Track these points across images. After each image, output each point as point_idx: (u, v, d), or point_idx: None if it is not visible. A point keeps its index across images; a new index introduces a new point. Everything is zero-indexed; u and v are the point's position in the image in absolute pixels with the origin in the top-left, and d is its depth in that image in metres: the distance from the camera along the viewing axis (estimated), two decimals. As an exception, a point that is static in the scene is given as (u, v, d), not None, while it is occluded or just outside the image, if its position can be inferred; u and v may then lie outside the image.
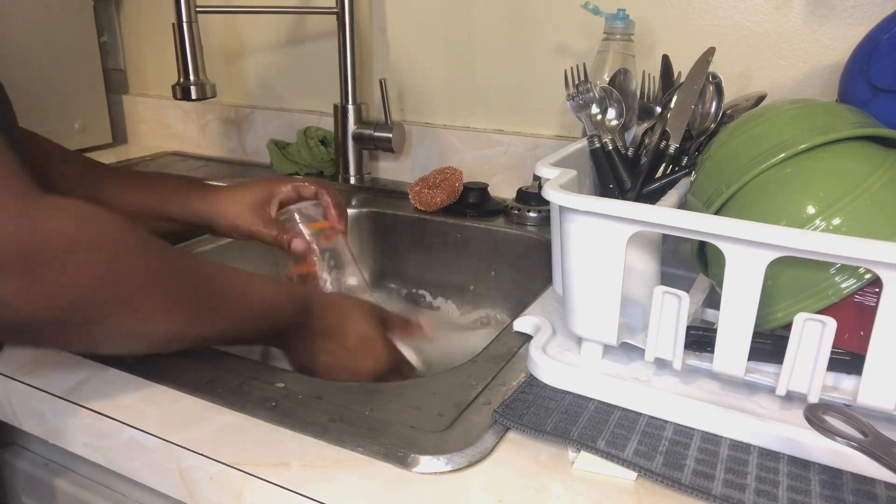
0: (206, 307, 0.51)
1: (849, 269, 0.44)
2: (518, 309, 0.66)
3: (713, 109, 0.63)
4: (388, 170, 1.13)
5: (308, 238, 0.72)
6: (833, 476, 0.43)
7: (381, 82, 1.00)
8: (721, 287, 0.45)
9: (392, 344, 0.64)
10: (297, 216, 0.73)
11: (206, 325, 0.51)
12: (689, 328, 0.48)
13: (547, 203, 0.57)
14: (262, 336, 0.58)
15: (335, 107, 1.06)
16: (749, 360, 0.46)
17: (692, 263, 0.56)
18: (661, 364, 0.51)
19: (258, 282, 0.57)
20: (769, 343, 0.48)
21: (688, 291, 0.47)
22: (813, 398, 0.45)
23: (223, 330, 0.53)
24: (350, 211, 0.98)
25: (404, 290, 0.97)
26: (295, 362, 0.62)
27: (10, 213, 0.36)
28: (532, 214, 0.90)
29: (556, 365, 0.53)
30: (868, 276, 0.44)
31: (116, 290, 0.42)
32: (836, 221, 0.44)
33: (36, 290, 0.37)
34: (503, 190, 0.99)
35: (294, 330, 0.58)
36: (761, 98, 0.68)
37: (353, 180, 1.08)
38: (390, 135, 1.03)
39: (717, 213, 0.50)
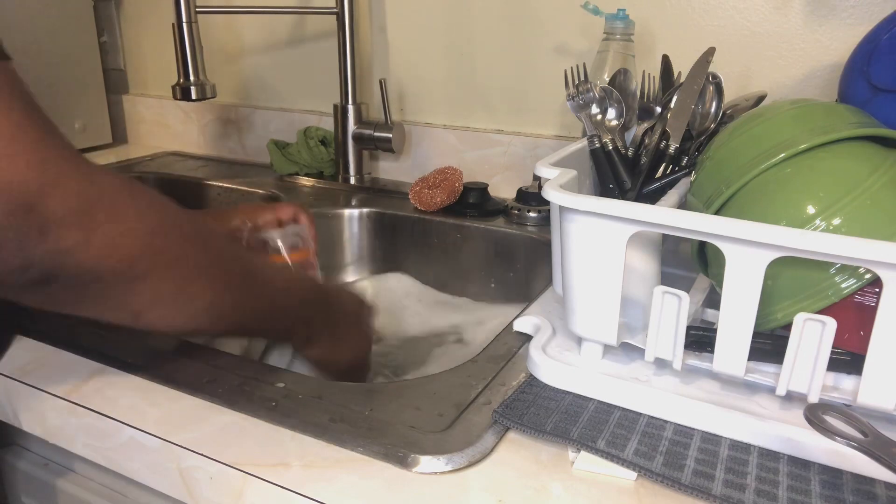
0: (241, 278, 0.51)
1: (849, 269, 0.44)
2: (518, 309, 0.66)
3: (713, 109, 0.63)
4: (388, 170, 1.13)
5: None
6: (833, 476, 0.43)
7: (381, 82, 1.00)
8: (721, 287, 0.45)
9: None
10: (279, 243, 0.73)
11: (241, 298, 0.51)
12: (689, 328, 0.48)
13: (547, 203, 0.57)
14: (285, 322, 0.58)
15: (335, 107, 1.06)
16: (749, 360, 0.46)
17: (692, 263, 0.56)
18: (661, 364, 0.51)
19: (278, 267, 0.58)
20: (769, 343, 0.48)
21: (688, 291, 0.47)
22: (813, 398, 0.45)
23: (255, 308, 0.53)
24: (350, 211, 0.98)
25: (404, 290, 0.97)
26: (312, 351, 0.61)
27: (69, 166, 0.38)
28: (532, 214, 0.90)
29: (556, 365, 0.53)
30: (868, 276, 0.44)
31: (166, 246, 0.44)
32: (836, 221, 0.44)
33: (97, 239, 0.39)
34: (503, 190, 0.99)
35: (311, 317, 0.59)
36: (761, 98, 0.68)
37: (353, 180, 1.08)
38: (390, 135, 1.03)
39: (717, 213, 0.50)
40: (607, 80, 0.70)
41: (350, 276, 1.00)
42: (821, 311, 0.45)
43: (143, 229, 0.42)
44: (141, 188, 0.44)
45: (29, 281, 0.37)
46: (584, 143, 0.64)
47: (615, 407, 0.50)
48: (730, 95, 0.64)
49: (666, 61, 0.70)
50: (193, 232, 0.47)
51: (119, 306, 0.43)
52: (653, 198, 0.61)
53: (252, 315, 0.53)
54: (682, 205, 0.56)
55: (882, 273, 0.40)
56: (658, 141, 0.63)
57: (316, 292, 0.60)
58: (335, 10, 1.01)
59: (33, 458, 0.62)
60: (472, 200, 0.94)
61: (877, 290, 0.44)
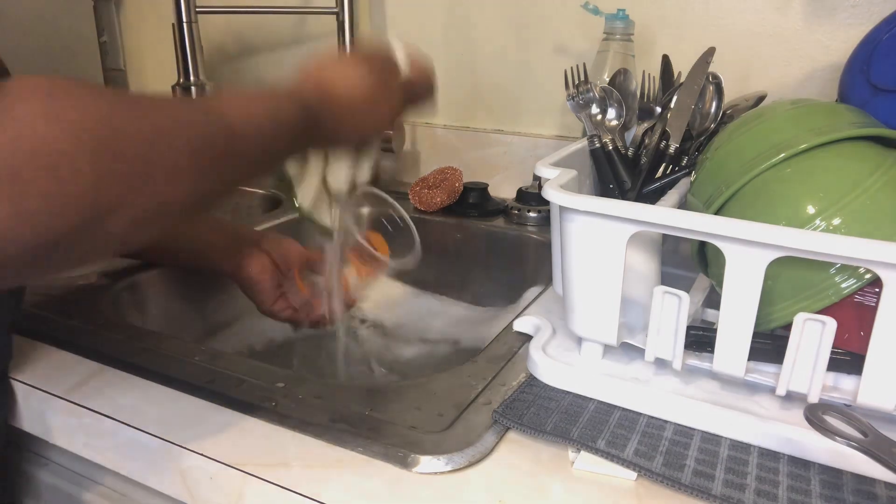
0: (223, 144, 0.41)
1: (849, 269, 0.44)
2: (518, 309, 0.65)
3: (713, 109, 0.63)
4: (388, 170, 1.13)
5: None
6: (833, 476, 0.43)
7: (381, 82, 1.00)
8: (721, 287, 0.45)
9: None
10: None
11: (228, 165, 0.42)
12: (689, 328, 0.48)
13: (547, 203, 0.57)
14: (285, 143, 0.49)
15: (335, 107, 1.06)
16: (749, 360, 0.46)
17: (692, 263, 0.56)
18: (661, 364, 0.51)
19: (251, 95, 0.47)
20: (769, 343, 0.48)
21: (688, 291, 0.47)
22: (813, 398, 0.45)
23: (249, 160, 0.44)
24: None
25: (404, 290, 0.97)
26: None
27: None
28: (532, 214, 0.90)
29: (556, 365, 0.53)
30: (868, 276, 0.44)
31: (125, 182, 0.34)
32: (836, 221, 0.44)
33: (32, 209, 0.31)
34: (503, 190, 0.99)
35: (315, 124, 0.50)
36: (761, 98, 0.68)
37: (353, 180, 1.08)
38: (390, 135, 1.03)
39: (717, 213, 0.50)
40: (607, 80, 0.70)
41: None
42: (821, 311, 0.45)
43: (85, 166, 0.32)
44: (87, 109, 0.33)
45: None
46: (584, 143, 0.64)
47: (615, 407, 0.50)
48: (730, 95, 0.64)
49: (666, 61, 0.70)
50: (158, 133, 0.36)
51: (93, 250, 0.35)
52: (653, 198, 0.61)
53: (251, 165, 0.45)
54: (682, 205, 0.56)
55: (882, 273, 0.40)
56: (658, 141, 0.63)
57: (301, 99, 0.50)
58: (335, 10, 1.01)
59: (33, 458, 0.62)
60: (472, 200, 0.94)
61: (877, 290, 0.44)
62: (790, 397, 0.48)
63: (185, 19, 0.85)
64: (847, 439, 0.37)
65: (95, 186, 0.32)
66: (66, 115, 0.32)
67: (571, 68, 0.66)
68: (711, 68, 0.63)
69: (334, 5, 1.01)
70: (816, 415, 0.39)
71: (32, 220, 0.31)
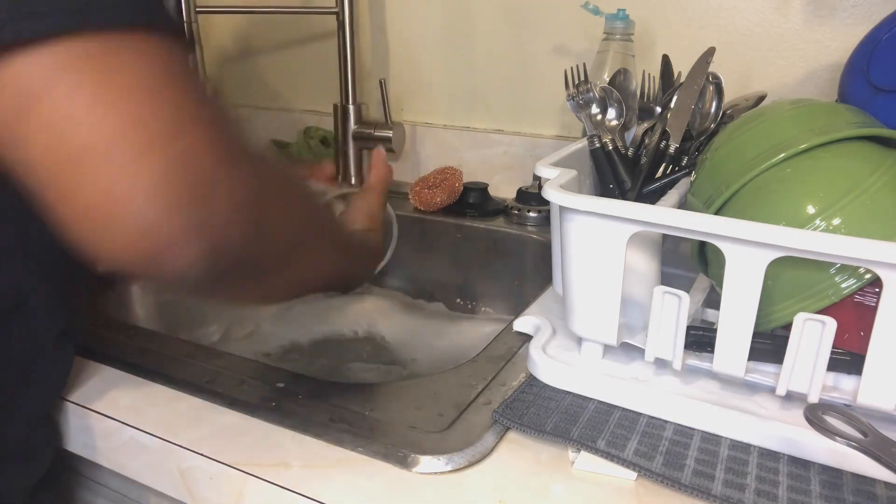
0: (343, 246, 0.53)
1: (849, 269, 0.44)
2: (518, 309, 0.65)
3: (713, 109, 0.63)
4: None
5: None
6: (833, 476, 0.43)
7: (381, 82, 1.00)
8: (721, 287, 0.45)
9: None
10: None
11: (341, 265, 0.53)
12: (689, 328, 0.48)
13: (547, 203, 0.57)
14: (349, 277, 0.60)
15: (335, 107, 1.06)
16: (749, 360, 0.46)
17: (692, 263, 0.56)
18: (661, 364, 0.51)
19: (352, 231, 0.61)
20: (769, 343, 0.48)
21: (688, 291, 0.47)
22: (813, 398, 0.45)
23: (347, 269, 0.56)
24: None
25: (405, 290, 0.97)
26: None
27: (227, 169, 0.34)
28: (532, 214, 0.90)
29: (556, 365, 0.53)
30: (868, 276, 0.44)
31: (306, 234, 0.43)
32: (836, 221, 0.44)
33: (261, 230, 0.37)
34: (503, 190, 0.99)
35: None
36: (761, 98, 0.68)
37: (353, 180, 1.08)
38: (390, 134, 1.03)
39: (717, 213, 0.50)
40: (607, 80, 0.70)
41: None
42: (821, 311, 0.45)
43: (294, 218, 0.41)
44: (287, 175, 0.43)
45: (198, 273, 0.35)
46: (584, 143, 0.64)
47: (615, 407, 0.50)
48: (730, 95, 0.64)
49: (666, 61, 0.70)
50: (319, 217, 0.49)
51: (262, 291, 0.44)
52: (653, 198, 0.61)
53: (344, 273, 0.56)
54: (682, 205, 0.56)
55: (882, 273, 0.40)
56: (658, 141, 0.63)
57: (361, 244, 0.61)
58: (335, 10, 1.01)
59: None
60: (472, 200, 0.94)
61: (877, 290, 0.44)
62: (790, 397, 0.48)
63: (185, 19, 0.85)
64: (847, 439, 0.37)
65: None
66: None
67: (571, 68, 0.66)
68: (711, 68, 0.63)
69: (334, 5, 1.01)
70: (816, 415, 0.39)
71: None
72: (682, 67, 0.68)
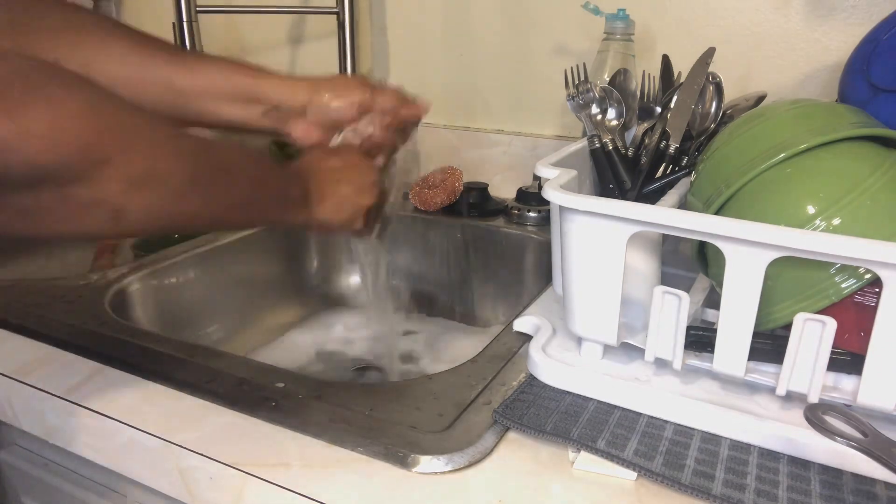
0: (209, 145, 0.47)
1: (849, 269, 0.44)
2: (518, 309, 0.65)
3: (713, 109, 0.63)
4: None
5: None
6: (833, 476, 0.43)
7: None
8: (721, 287, 0.45)
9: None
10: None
11: (220, 165, 0.47)
12: (689, 328, 0.48)
13: (547, 203, 0.57)
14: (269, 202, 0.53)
15: (335, 107, 1.06)
16: (749, 360, 0.46)
17: (692, 263, 0.56)
18: (661, 364, 0.51)
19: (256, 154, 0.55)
20: (769, 343, 0.48)
21: (688, 291, 0.47)
22: (813, 398, 0.45)
23: (239, 173, 0.49)
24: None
25: (405, 290, 0.97)
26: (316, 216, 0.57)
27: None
28: (532, 214, 0.90)
29: (556, 365, 0.53)
30: (868, 276, 0.44)
31: (117, 120, 0.39)
32: (836, 221, 0.44)
33: (32, 126, 0.35)
34: (503, 190, 0.99)
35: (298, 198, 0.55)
36: (761, 98, 0.68)
37: (353, 180, 1.08)
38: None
39: (717, 213, 0.50)
40: (607, 80, 0.70)
41: (350, 276, 1.00)
42: (821, 311, 0.45)
43: (82, 106, 0.37)
44: (62, 69, 0.38)
45: None
46: (584, 143, 0.64)
47: (615, 407, 0.50)
48: (730, 95, 0.64)
49: (666, 61, 0.70)
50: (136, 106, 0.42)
51: (94, 205, 0.39)
52: (653, 198, 0.61)
53: (239, 182, 0.49)
54: (682, 205, 0.56)
55: (882, 273, 0.40)
56: (658, 141, 0.63)
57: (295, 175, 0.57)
58: (335, 10, 1.01)
59: (33, 458, 0.62)
60: (472, 200, 0.94)
61: (877, 290, 0.44)
62: (790, 397, 0.48)
63: (185, 19, 0.86)
64: (847, 439, 0.37)
65: (91, 132, 0.37)
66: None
67: (571, 68, 0.66)
68: (711, 68, 0.63)
69: (334, 5, 1.01)
70: (816, 415, 0.39)
71: (32, 138, 0.34)
72: (682, 67, 0.68)
